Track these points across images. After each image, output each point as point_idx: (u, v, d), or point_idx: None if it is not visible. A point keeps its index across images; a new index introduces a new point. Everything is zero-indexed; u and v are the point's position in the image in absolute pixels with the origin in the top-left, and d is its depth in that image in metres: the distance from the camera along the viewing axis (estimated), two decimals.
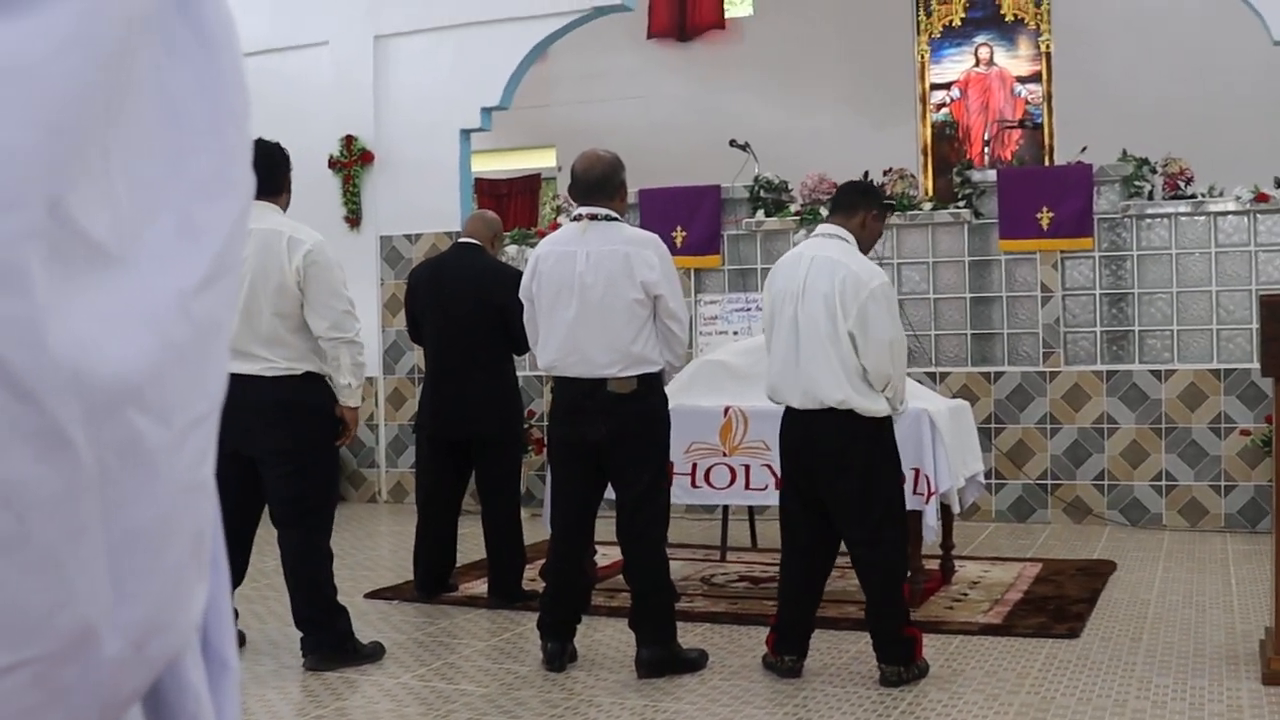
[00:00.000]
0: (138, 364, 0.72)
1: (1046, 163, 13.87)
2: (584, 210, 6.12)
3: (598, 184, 6.11)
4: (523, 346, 6.96)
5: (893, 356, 5.73)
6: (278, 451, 6.03)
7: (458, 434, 7.48)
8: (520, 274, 6.54)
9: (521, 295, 6.28)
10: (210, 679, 0.87)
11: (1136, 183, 10.01)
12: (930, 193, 13.39)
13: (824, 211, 10.41)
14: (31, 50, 0.69)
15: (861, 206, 6.04)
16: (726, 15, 15.92)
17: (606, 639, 6.68)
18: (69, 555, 0.69)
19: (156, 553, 0.74)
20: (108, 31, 0.73)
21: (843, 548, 5.98)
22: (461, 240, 7.79)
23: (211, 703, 0.86)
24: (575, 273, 5.99)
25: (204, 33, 0.80)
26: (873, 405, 5.72)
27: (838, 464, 5.74)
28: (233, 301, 0.81)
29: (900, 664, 5.84)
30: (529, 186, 16.33)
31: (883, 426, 5.81)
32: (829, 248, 5.87)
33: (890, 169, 10.83)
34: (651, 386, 6.06)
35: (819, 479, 5.80)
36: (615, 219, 6.12)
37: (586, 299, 5.97)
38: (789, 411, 5.89)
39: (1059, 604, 7.24)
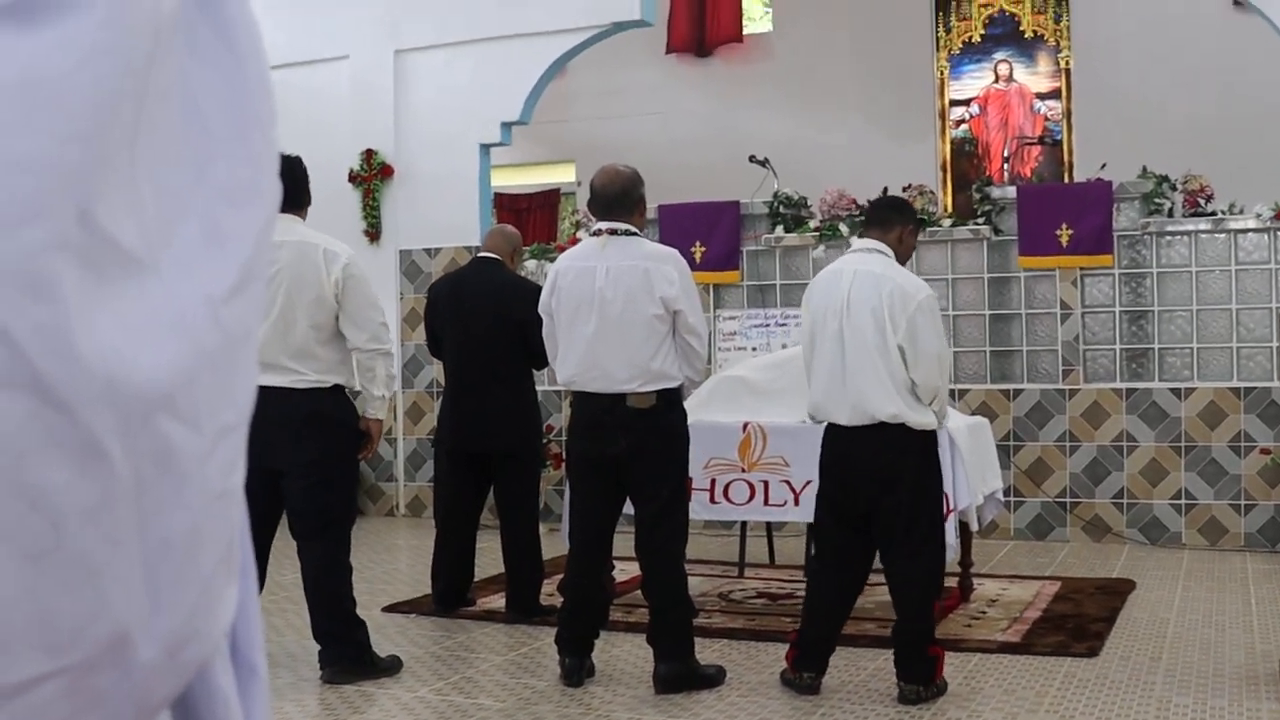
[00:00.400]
0: (169, 371, 0.72)
1: (1066, 179, 13.85)
2: (603, 225, 6.13)
3: (617, 199, 6.11)
4: (542, 361, 6.96)
5: (941, 369, 5.77)
6: (304, 464, 6.02)
7: (477, 448, 7.48)
8: (540, 289, 6.54)
9: (541, 310, 6.28)
10: (239, 685, 0.88)
11: (1156, 200, 9.99)
12: (949, 209, 13.38)
13: (843, 228, 10.46)
14: (56, 61, 0.70)
15: (898, 222, 6.05)
16: (746, 31, 15.92)
17: (624, 654, 6.67)
18: (105, 564, 0.70)
19: (189, 561, 0.75)
20: (132, 40, 0.73)
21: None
22: (481, 255, 7.79)
23: (240, 708, 0.87)
24: (595, 288, 5.99)
25: (230, 39, 0.81)
26: (922, 418, 5.75)
27: (889, 479, 5.74)
28: (260, 310, 0.81)
29: (920, 682, 5.82)
30: (548, 201, 16.35)
31: (930, 440, 5.84)
32: (870, 262, 5.86)
33: (909, 185, 10.81)
34: (671, 402, 6.06)
35: (866, 494, 5.77)
36: (635, 234, 6.12)
37: (606, 314, 5.97)
38: (833, 428, 5.85)
39: (1078, 622, 7.22)
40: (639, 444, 5.97)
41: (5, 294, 0.66)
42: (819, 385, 5.86)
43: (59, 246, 0.68)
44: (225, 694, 0.85)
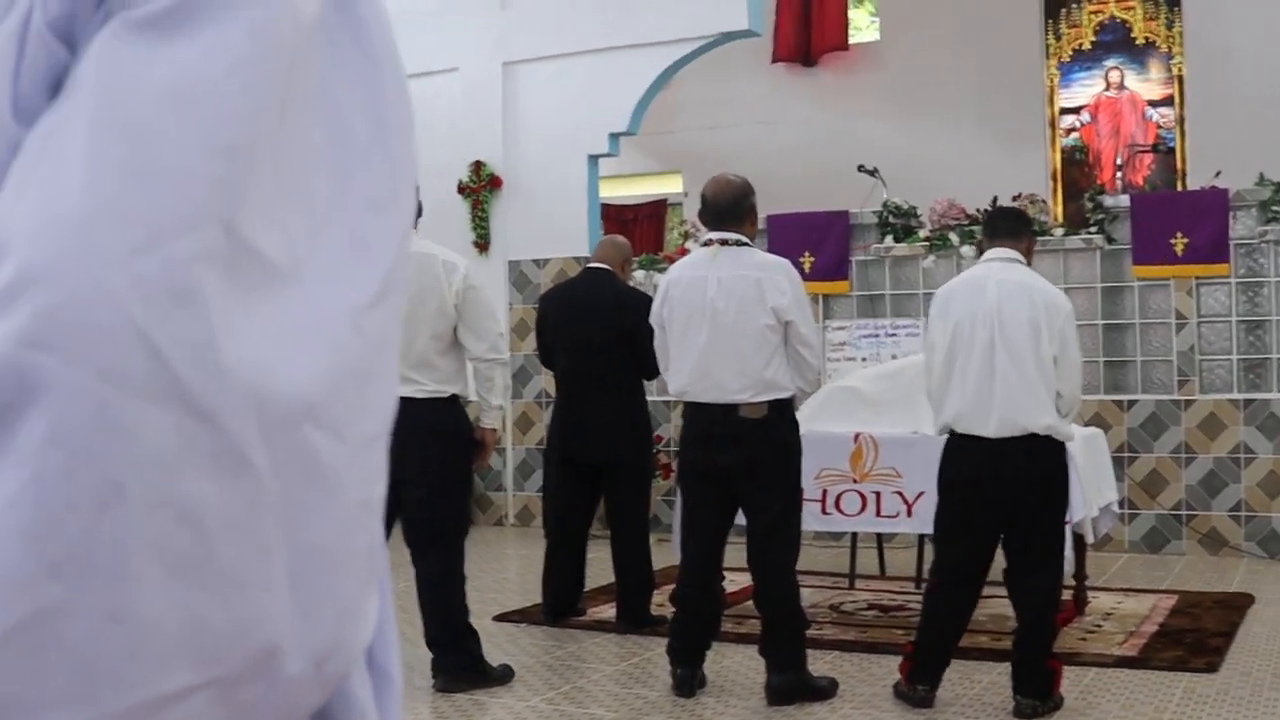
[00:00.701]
0: (314, 381, 0.72)
1: (1178, 187, 13.64)
2: (715, 235, 6.12)
3: (728, 209, 6.11)
4: (652, 371, 6.96)
5: (1080, 381, 5.77)
6: (423, 474, 6.06)
7: (589, 458, 7.50)
8: (650, 299, 6.55)
9: (652, 321, 6.29)
10: (375, 693, 0.88)
11: (1274, 207, 9.81)
12: (1059, 218, 13.23)
13: (954, 238, 10.36)
14: (205, 70, 0.71)
15: (1025, 232, 6.03)
16: (852, 41, 15.85)
17: (735, 665, 6.66)
18: (253, 576, 0.70)
19: (335, 571, 0.75)
20: (278, 48, 0.74)
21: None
22: (592, 265, 7.82)
23: (377, 717, 0.87)
24: (706, 298, 5.99)
25: (367, 45, 0.81)
26: (1068, 430, 5.76)
27: (1033, 492, 5.68)
28: (399, 319, 0.81)
29: (1038, 697, 5.75)
30: (655, 212, 16.37)
31: (1065, 453, 5.80)
32: (1015, 272, 5.81)
33: (1019, 194, 10.69)
34: (782, 412, 6.03)
35: (1007, 507, 5.70)
36: (746, 244, 6.11)
37: (718, 324, 5.96)
38: (972, 440, 5.73)
39: (1196, 637, 7.10)
40: (751, 455, 5.95)
41: (152, 305, 0.67)
42: (963, 395, 5.73)
43: (206, 257, 0.69)
44: (363, 704, 0.85)
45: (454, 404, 6.24)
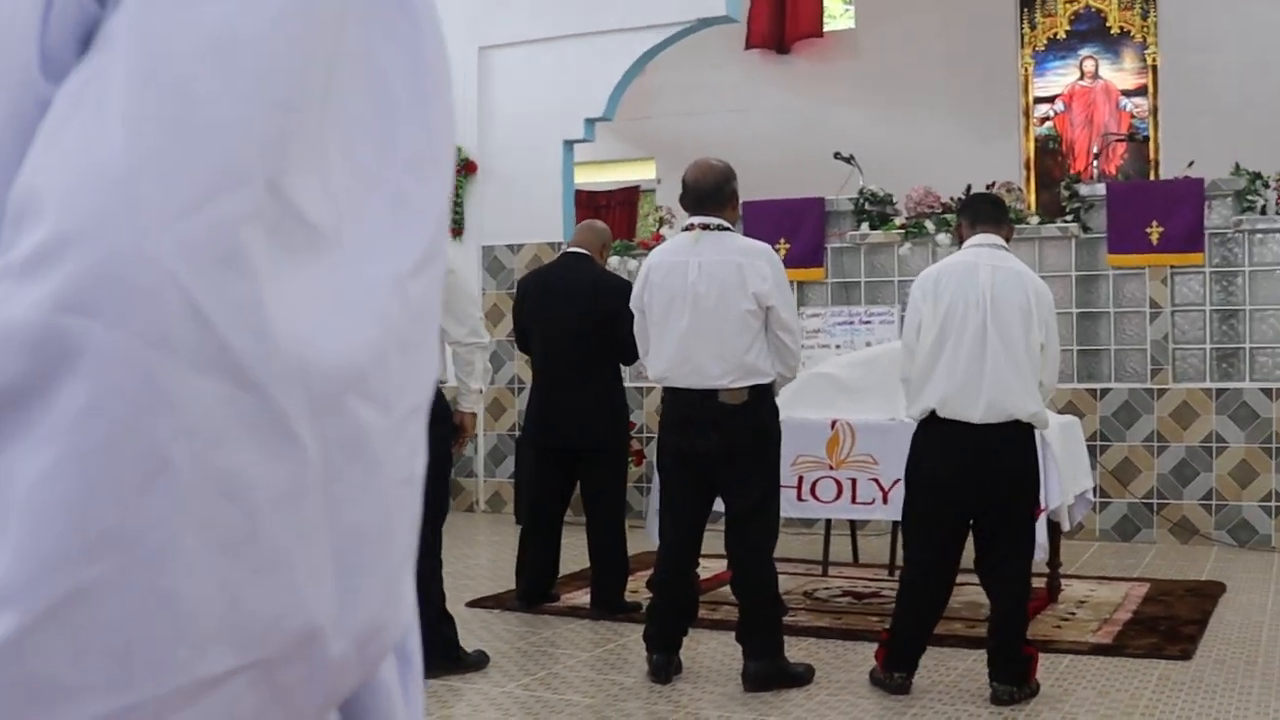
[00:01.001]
0: (359, 350, 0.69)
1: (1152, 177, 13.68)
2: (696, 220, 6.10)
3: (710, 193, 6.08)
4: (631, 356, 6.94)
5: (1059, 370, 5.89)
6: None
7: (566, 444, 7.47)
8: (629, 284, 6.52)
9: (632, 305, 6.26)
10: (398, 674, 0.85)
11: (1249, 197, 9.84)
12: (1033, 207, 13.26)
13: (930, 225, 10.36)
14: (248, 23, 0.68)
15: (1005, 219, 6.06)
16: (828, 28, 15.83)
17: (710, 652, 6.64)
18: (297, 555, 0.67)
19: (378, 550, 0.71)
20: (324, 3, 0.71)
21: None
22: (571, 249, 7.79)
23: (401, 698, 0.84)
24: (688, 283, 5.96)
25: (409, 6, 0.78)
26: (1048, 418, 5.84)
27: (1012, 477, 5.71)
28: (441, 288, 0.78)
29: (1015, 683, 5.76)
30: (628, 198, 16.33)
31: (1039, 440, 5.88)
32: (1006, 259, 5.82)
33: (994, 183, 10.70)
34: (763, 398, 6.02)
35: (984, 493, 5.71)
36: (728, 229, 6.09)
37: (699, 309, 5.94)
38: (956, 425, 5.71)
39: (1169, 625, 7.12)
40: (731, 440, 5.94)
41: (198, 268, 0.63)
42: (951, 380, 5.71)
43: (251, 218, 0.66)
44: (388, 686, 0.83)
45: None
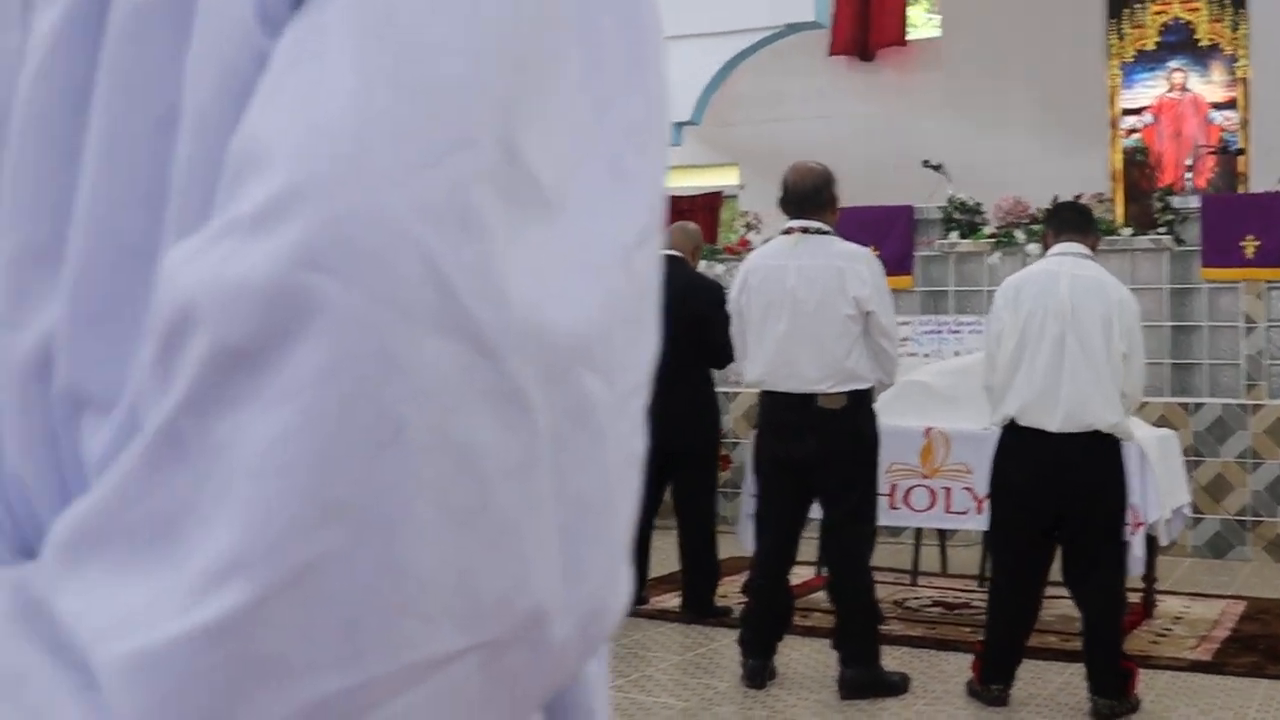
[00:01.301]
0: (588, 320, 0.65)
1: (1239, 190, 13.51)
2: (795, 223, 6.06)
3: (810, 196, 6.05)
4: (724, 360, 6.90)
5: (1143, 383, 5.76)
6: None
7: (659, 446, 7.40)
8: (721, 286, 6.48)
9: (730, 309, 6.23)
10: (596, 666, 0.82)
11: None
12: (1122, 219, 13.12)
13: (1020, 235, 10.28)
14: None
15: (1090, 228, 5.98)
16: (912, 37, 15.75)
17: (802, 658, 6.59)
18: (526, 530, 0.63)
19: (601, 527, 0.68)
20: None
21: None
22: (664, 252, 7.74)
23: (593, 685, 0.82)
24: (786, 287, 5.92)
25: None
26: (1128, 429, 5.73)
27: (1095, 488, 5.62)
28: (658, 264, 0.75)
29: (1115, 697, 5.67)
30: (710, 204, 16.26)
31: (1123, 451, 5.74)
32: (1087, 268, 5.75)
33: (1080, 195, 10.58)
34: (860, 403, 5.97)
35: (1066, 503, 5.63)
36: (827, 232, 6.05)
37: (798, 313, 5.89)
38: (1035, 434, 5.65)
39: (1269, 644, 7.00)
40: (828, 445, 5.89)
41: (436, 228, 0.60)
42: (1030, 388, 5.65)
43: (487, 178, 0.63)
44: (591, 678, 0.80)
45: None
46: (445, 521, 0.61)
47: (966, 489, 7.31)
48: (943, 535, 8.81)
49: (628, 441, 0.69)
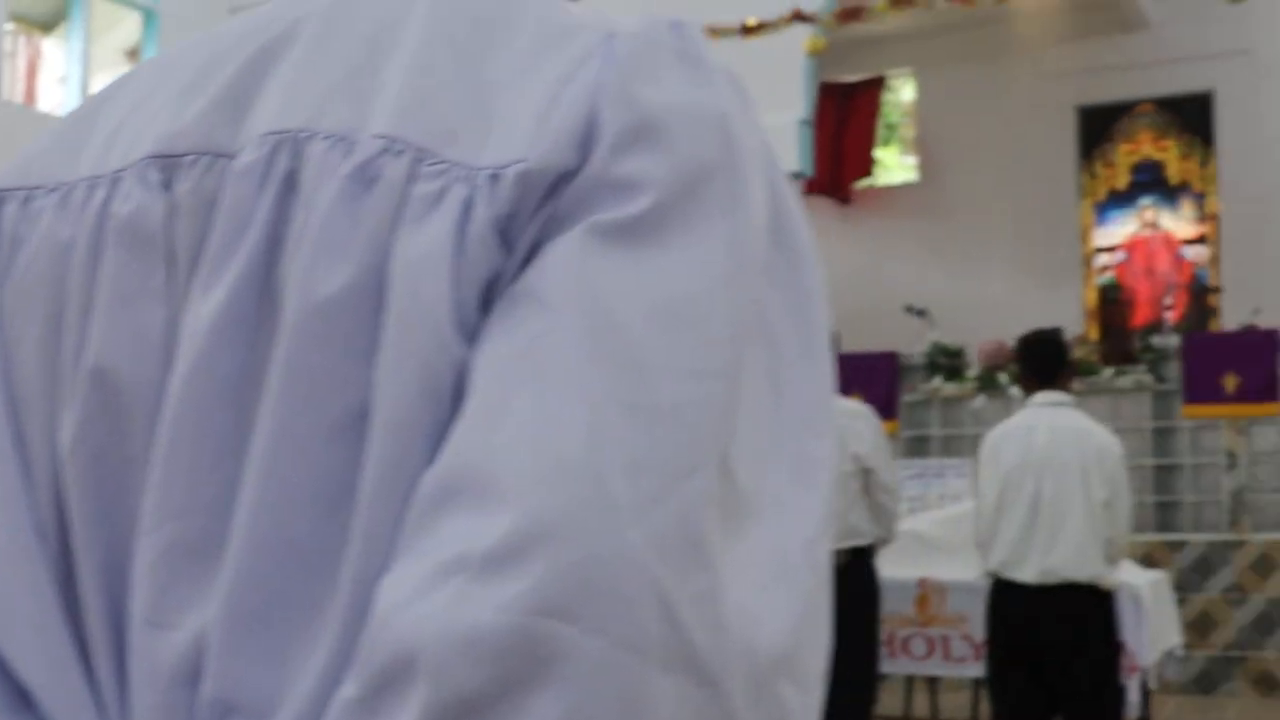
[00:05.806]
0: (788, 629, 0.66)
1: (1213, 325, 13.71)
2: None
3: None
4: None
5: (1129, 527, 5.75)
6: None
7: None
8: None
9: None
10: None
11: None
12: (1098, 357, 13.29)
13: (1003, 378, 10.42)
14: (694, 288, 0.66)
15: (1060, 370, 5.92)
16: (891, 182, 15.94)
17: None
18: None
19: None
20: (752, 262, 0.69)
21: None
22: None
23: None
24: None
25: (793, 251, 0.75)
26: (1113, 578, 5.70)
27: (1083, 641, 5.64)
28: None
29: None
30: None
31: (1113, 600, 5.76)
32: (1066, 416, 5.78)
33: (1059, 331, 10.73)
34: (861, 560, 6.03)
35: (1051, 656, 5.68)
36: None
37: None
38: (1013, 587, 5.72)
39: None
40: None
41: (670, 563, 0.61)
42: (1007, 543, 5.70)
43: (711, 501, 0.63)
44: None
45: None
46: None
47: (964, 637, 7.36)
48: (932, 680, 8.83)
49: None
